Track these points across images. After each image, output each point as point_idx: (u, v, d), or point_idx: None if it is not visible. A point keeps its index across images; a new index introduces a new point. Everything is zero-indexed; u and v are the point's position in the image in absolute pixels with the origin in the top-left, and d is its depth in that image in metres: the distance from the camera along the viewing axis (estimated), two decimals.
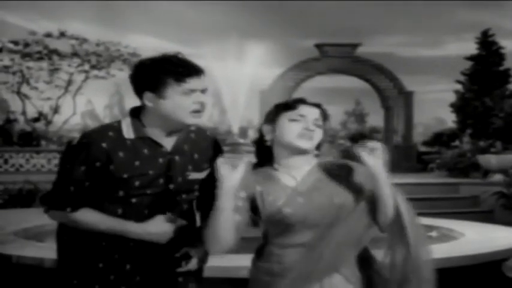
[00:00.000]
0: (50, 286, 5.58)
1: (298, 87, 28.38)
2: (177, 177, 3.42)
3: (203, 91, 3.37)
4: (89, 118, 59.35)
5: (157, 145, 3.40)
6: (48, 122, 28.20)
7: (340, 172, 3.34)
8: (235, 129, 19.63)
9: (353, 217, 3.23)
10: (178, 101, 3.32)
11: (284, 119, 3.32)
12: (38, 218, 8.49)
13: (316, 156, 3.39)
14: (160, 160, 3.39)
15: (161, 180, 3.39)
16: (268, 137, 3.36)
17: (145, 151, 3.38)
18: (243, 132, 21.34)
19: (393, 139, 28.48)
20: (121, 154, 3.33)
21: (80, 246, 3.41)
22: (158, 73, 3.31)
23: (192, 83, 3.32)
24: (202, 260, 3.52)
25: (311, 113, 3.32)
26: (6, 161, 22.61)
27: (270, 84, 27.38)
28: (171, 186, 3.40)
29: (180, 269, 3.43)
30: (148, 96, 3.35)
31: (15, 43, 27.20)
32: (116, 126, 3.41)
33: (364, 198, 3.25)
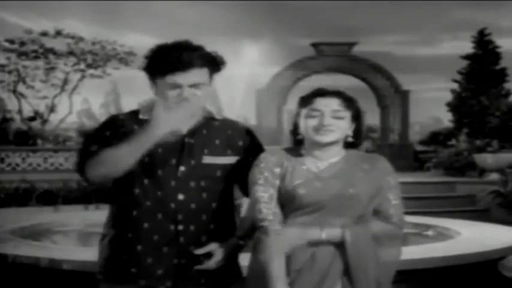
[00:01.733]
0: (46, 285, 5.59)
1: (294, 86, 28.34)
2: (190, 160, 3.40)
3: (193, 85, 3.36)
4: (85, 117, 59.29)
5: None
6: (44, 121, 28.19)
7: (365, 164, 3.33)
8: None
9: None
10: (163, 92, 3.37)
11: (302, 115, 3.33)
12: (34, 216, 8.50)
13: (351, 146, 3.39)
14: (173, 140, 3.40)
15: (173, 162, 3.39)
16: (299, 131, 3.37)
17: None
18: None
19: (389, 138, 28.47)
20: (135, 126, 3.40)
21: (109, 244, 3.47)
22: (150, 63, 3.40)
23: (174, 78, 3.33)
24: (226, 260, 3.42)
25: (328, 105, 3.29)
26: (2, 160, 22.57)
27: (267, 83, 27.35)
28: (182, 168, 3.39)
29: (197, 266, 3.38)
30: (149, 81, 3.45)
31: (11, 42, 27.17)
32: (135, 110, 3.53)
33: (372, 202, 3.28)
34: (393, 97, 28.17)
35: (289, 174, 3.28)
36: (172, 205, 3.37)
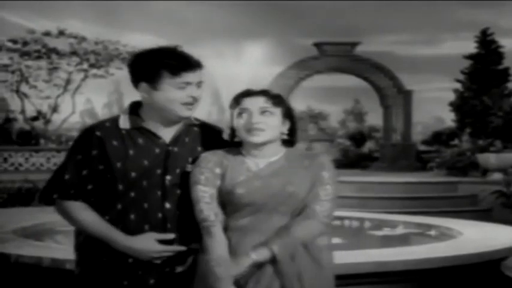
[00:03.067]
0: (48, 285, 5.59)
1: (297, 86, 28.38)
2: (175, 169, 3.39)
3: (198, 84, 3.38)
4: (88, 117, 59.37)
5: (154, 136, 3.41)
6: (47, 121, 28.21)
7: (305, 161, 3.33)
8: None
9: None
10: (171, 94, 3.34)
11: (234, 114, 3.35)
12: (37, 216, 8.49)
13: (288, 144, 3.40)
14: (157, 150, 3.39)
15: (158, 171, 3.37)
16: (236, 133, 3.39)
17: (141, 141, 3.39)
18: None
19: (392, 138, 28.48)
20: (114, 143, 3.37)
21: (86, 239, 3.43)
22: (154, 65, 3.34)
23: (187, 76, 3.34)
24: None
25: (255, 103, 3.31)
26: (5, 160, 22.61)
27: (269, 83, 27.37)
28: (168, 177, 3.38)
29: (178, 269, 3.39)
30: (143, 86, 3.38)
31: (14, 42, 27.19)
32: (113, 118, 3.48)
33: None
34: (396, 97, 28.18)
35: (229, 173, 3.30)
36: (160, 215, 3.37)
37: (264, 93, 3.36)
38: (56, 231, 7.99)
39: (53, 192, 3.42)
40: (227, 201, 3.28)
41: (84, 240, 3.45)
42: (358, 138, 35.55)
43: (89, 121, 53.09)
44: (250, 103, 3.32)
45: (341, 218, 8.54)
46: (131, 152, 3.36)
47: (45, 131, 27.65)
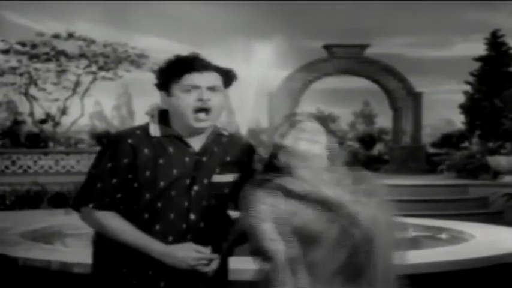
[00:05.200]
0: None
1: (306, 88, 28.36)
2: (203, 179, 3.36)
3: (210, 88, 3.33)
4: (97, 119, 59.47)
5: (185, 144, 3.37)
6: (56, 124, 28.28)
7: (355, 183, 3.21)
8: (243, 130, 19.60)
9: None
10: (179, 98, 3.32)
11: (285, 132, 3.24)
12: (45, 219, 8.49)
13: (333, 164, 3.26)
14: (187, 159, 3.35)
15: (187, 181, 3.33)
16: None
17: (171, 149, 3.35)
18: (252, 134, 21.32)
19: (402, 140, 28.43)
20: (146, 151, 3.32)
21: (106, 250, 3.39)
22: (165, 71, 3.35)
23: (191, 78, 3.30)
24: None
25: (313, 127, 3.24)
26: (13, 163, 22.64)
27: (278, 85, 27.35)
28: (196, 187, 3.34)
29: (205, 269, 3.33)
30: (162, 95, 3.39)
31: (23, 44, 27.28)
32: (144, 126, 3.43)
33: None
34: (406, 99, 28.14)
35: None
36: (184, 226, 3.33)
37: (318, 118, 3.28)
38: (65, 234, 7.99)
39: (87, 201, 3.35)
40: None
41: (105, 250, 3.40)
42: (368, 140, 35.52)
43: (98, 123, 53.17)
44: (309, 125, 3.22)
45: None
46: (161, 160, 3.32)
47: (53, 133, 27.71)
